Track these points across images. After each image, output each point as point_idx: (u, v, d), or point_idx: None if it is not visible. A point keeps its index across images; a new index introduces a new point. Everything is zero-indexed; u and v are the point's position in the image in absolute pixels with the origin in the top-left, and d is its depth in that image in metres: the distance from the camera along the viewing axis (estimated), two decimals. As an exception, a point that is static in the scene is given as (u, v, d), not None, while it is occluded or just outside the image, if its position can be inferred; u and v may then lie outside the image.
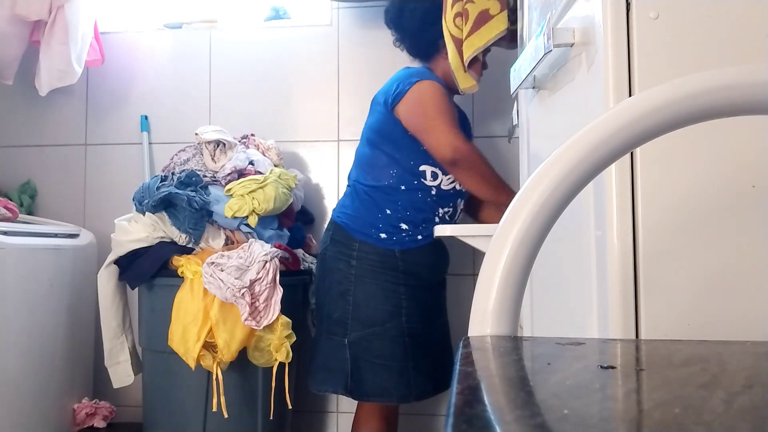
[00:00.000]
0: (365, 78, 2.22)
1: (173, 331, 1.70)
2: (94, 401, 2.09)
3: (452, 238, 1.53)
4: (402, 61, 1.89)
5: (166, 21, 2.41)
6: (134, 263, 1.83)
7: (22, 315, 1.79)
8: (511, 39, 1.63)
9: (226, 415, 1.69)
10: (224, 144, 1.96)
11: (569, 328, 0.96)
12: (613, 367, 0.40)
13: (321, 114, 2.29)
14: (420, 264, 1.70)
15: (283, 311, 1.72)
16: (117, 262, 1.88)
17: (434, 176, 1.71)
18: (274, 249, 1.80)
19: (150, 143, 2.33)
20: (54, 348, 1.93)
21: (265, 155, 2.05)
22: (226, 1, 2.42)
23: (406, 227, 1.69)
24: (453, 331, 1.87)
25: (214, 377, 1.69)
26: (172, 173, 1.88)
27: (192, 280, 1.73)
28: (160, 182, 1.84)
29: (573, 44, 0.90)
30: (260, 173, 1.95)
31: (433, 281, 1.78)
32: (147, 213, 1.83)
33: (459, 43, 1.66)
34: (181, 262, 1.78)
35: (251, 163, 1.97)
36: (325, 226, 1.87)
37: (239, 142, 2.04)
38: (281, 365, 1.73)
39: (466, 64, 1.66)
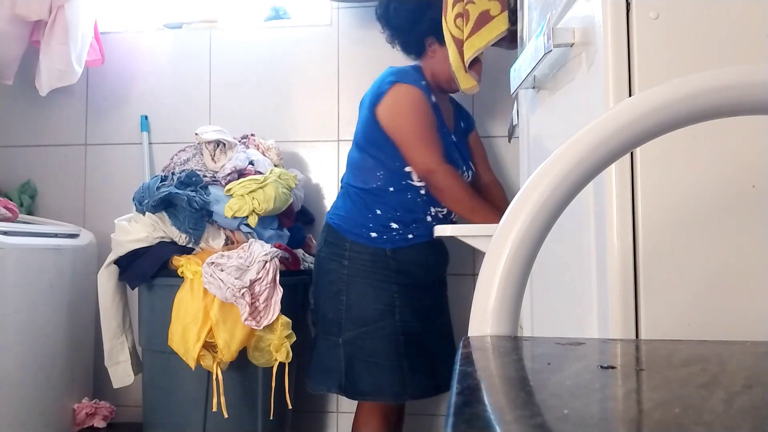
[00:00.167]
0: (365, 78, 2.20)
1: (173, 331, 1.70)
2: (94, 401, 2.09)
3: (452, 237, 1.53)
4: (401, 60, 1.89)
5: (166, 21, 2.41)
6: (134, 263, 1.83)
7: (22, 315, 1.79)
8: (511, 39, 1.63)
9: (226, 415, 1.69)
10: (224, 144, 1.96)
11: (569, 328, 0.96)
12: (613, 367, 0.40)
13: (321, 114, 2.29)
14: (412, 263, 1.70)
15: (283, 311, 1.72)
16: (117, 262, 1.88)
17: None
18: (274, 249, 1.80)
19: (150, 143, 2.33)
20: (54, 348, 1.93)
21: (265, 155, 2.06)
22: (226, 1, 2.42)
23: (397, 226, 1.70)
24: (453, 330, 1.87)
25: (214, 377, 1.69)
26: (172, 173, 1.88)
27: (192, 280, 1.73)
28: (160, 182, 1.84)
29: (573, 44, 0.90)
30: (260, 173, 1.95)
31: (429, 280, 1.77)
32: (147, 213, 1.83)
33: (460, 44, 1.67)
34: (181, 262, 1.78)
35: (251, 163, 1.97)
36: (325, 226, 1.87)
37: (239, 142, 2.04)
38: (281, 365, 1.73)
39: (467, 65, 1.67)
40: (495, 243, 0.47)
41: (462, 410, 0.31)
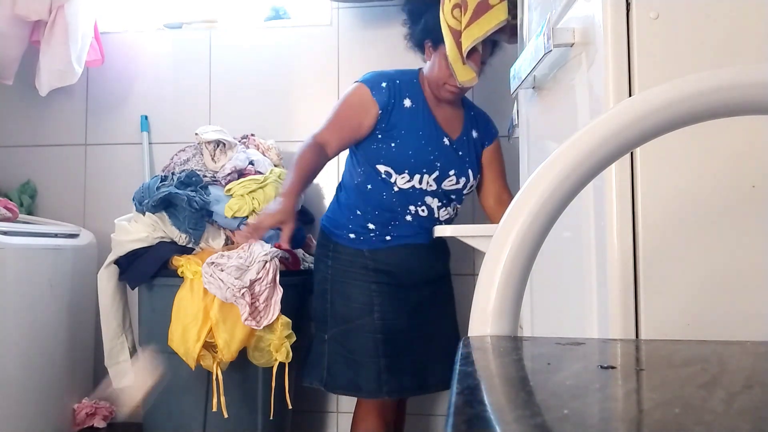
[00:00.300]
0: (365, 78, 2.22)
1: (173, 331, 1.70)
2: (94, 401, 2.09)
3: (452, 237, 1.53)
4: (401, 61, 1.90)
5: (166, 21, 2.41)
6: (134, 263, 1.83)
7: (22, 315, 1.79)
8: (511, 33, 1.62)
9: (226, 415, 1.69)
10: (224, 144, 1.96)
11: (569, 328, 0.96)
12: (613, 367, 0.40)
13: (321, 114, 2.27)
14: (390, 264, 1.70)
15: (283, 311, 1.72)
16: (117, 262, 1.88)
17: (388, 175, 1.70)
18: (274, 249, 1.80)
19: (150, 143, 2.34)
20: (54, 348, 1.93)
21: (265, 155, 2.06)
22: (226, 1, 2.42)
23: (373, 227, 1.71)
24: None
25: (214, 377, 1.69)
26: (172, 173, 1.88)
27: (192, 280, 1.73)
28: (160, 182, 1.84)
29: (573, 44, 0.90)
30: (260, 173, 1.95)
31: (415, 281, 1.73)
32: (147, 213, 1.83)
33: (457, 35, 1.62)
34: (181, 262, 1.78)
35: (251, 163, 1.97)
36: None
37: (239, 142, 2.04)
38: (281, 365, 1.74)
39: (464, 55, 1.62)
40: (495, 243, 0.47)
41: (462, 410, 0.31)
